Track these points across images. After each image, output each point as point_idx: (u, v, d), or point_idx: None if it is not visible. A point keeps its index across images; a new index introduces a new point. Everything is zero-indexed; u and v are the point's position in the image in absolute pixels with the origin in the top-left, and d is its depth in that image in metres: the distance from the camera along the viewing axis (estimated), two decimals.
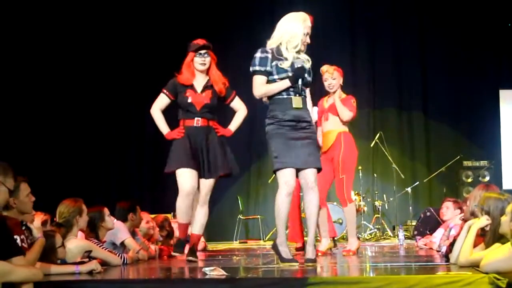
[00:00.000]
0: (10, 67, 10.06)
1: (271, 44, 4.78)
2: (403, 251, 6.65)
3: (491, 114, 11.03)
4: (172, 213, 7.98)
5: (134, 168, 11.23)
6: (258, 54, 4.74)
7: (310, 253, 4.59)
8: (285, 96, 4.68)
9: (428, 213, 8.98)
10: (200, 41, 5.39)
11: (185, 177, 5.17)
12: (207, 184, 5.31)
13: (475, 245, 4.02)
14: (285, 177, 4.62)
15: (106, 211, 5.28)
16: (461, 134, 10.98)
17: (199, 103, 5.33)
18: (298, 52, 4.74)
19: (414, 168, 11.01)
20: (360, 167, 9.99)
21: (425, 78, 11.33)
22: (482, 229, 4.02)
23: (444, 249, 5.19)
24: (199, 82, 5.40)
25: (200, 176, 5.28)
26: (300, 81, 4.65)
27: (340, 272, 4.29)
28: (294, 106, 4.65)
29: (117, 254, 5.08)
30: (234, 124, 5.51)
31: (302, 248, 6.38)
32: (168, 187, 11.01)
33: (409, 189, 10.25)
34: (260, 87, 4.72)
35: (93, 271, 4.13)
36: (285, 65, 4.67)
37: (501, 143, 10.99)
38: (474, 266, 3.77)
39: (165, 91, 5.49)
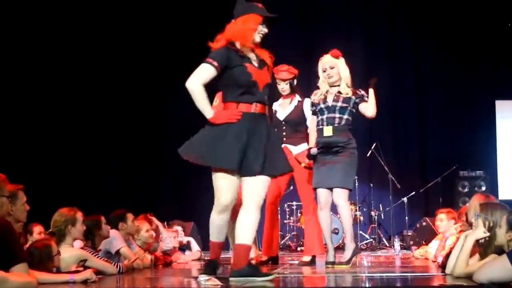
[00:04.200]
0: (5, 75, 10.04)
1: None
2: (399, 261, 6.64)
3: (487, 125, 11.07)
4: (165, 222, 7.96)
5: (130, 177, 11.19)
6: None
7: (346, 256, 5.60)
8: (320, 127, 5.65)
9: (424, 223, 9.00)
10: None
11: None
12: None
13: (471, 256, 4.01)
14: (317, 195, 5.72)
15: (103, 219, 5.28)
16: (457, 144, 10.99)
17: (262, 81, 4.27)
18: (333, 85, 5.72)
19: (410, 178, 11.00)
20: (356, 177, 9.95)
21: (421, 89, 11.35)
22: (477, 240, 4.00)
23: (440, 259, 5.19)
24: (253, 56, 4.31)
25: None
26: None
27: (333, 283, 4.28)
28: (324, 135, 5.60)
29: (113, 263, 5.06)
30: None
31: (266, 262, 6.14)
32: (164, 196, 11.09)
33: (405, 199, 10.24)
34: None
35: (87, 280, 4.10)
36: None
37: (497, 153, 11.03)
38: (470, 276, 3.76)
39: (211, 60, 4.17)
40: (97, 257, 4.94)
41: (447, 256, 4.45)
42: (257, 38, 4.26)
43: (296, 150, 6.20)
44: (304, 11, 11.58)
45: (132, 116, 11.03)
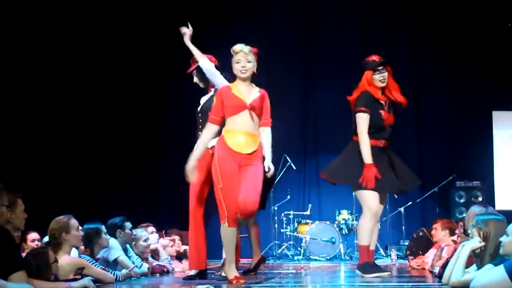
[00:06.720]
0: (2, 83, 10.04)
1: None
2: (395, 271, 6.64)
3: (484, 135, 11.08)
4: (163, 231, 7.94)
5: (128, 186, 11.16)
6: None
7: None
8: None
9: (420, 233, 8.98)
10: (376, 58, 5.68)
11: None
12: None
13: (467, 266, 4.03)
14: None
15: (104, 229, 5.29)
16: (454, 154, 11.00)
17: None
18: None
19: None
20: None
21: (418, 99, 11.36)
22: (473, 250, 4.02)
23: (436, 269, 5.20)
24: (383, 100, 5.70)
25: None
26: None
27: None
28: None
29: (110, 271, 5.07)
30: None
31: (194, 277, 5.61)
32: (162, 205, 11.07)
33: (402, 209, 10.24)
34: None
35: None
36: None
37: (493, 164, 11.03)
38: (466, 286, 3.77)
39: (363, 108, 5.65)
40: (95, 266, 4.95)
41: (444, 266, 4.46)
42: (379, 84, 5.69)
43: (212, 143, 5.31)
44: (302, 17, 11.57)
45: (130, 124, 11.02)
